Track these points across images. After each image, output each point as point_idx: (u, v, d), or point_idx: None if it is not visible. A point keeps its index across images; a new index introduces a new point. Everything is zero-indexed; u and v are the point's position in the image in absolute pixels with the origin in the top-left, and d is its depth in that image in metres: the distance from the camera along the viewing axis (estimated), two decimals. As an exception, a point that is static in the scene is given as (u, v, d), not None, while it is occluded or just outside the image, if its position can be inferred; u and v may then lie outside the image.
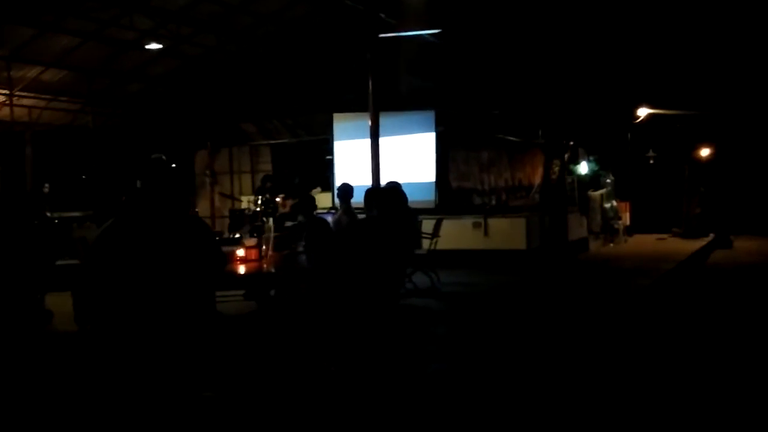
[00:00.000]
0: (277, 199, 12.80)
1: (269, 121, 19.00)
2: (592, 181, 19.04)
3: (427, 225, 10.96)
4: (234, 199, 16.33)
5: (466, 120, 16.72)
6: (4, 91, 15.55)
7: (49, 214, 12.27)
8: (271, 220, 12.06)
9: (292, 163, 18.09)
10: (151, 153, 4.91)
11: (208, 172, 18.89)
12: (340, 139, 15.96)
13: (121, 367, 4.07)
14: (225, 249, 7.45)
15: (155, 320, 4.07)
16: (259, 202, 12.86)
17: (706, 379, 6.12)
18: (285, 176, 15.72)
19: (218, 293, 5.56)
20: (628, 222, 20.32)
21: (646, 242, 18.99)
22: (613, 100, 20.13)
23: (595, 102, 19.33)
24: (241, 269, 6.81)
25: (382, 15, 12.21)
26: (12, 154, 17.42)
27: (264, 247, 7.28)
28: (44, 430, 4.82)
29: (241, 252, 7.02)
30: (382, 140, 12.89)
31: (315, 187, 15.51)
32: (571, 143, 18.24)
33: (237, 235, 10.67)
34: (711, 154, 22.40)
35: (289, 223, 9.05)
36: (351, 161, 15.12)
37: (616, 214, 19.17)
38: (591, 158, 19.37)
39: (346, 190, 7.94)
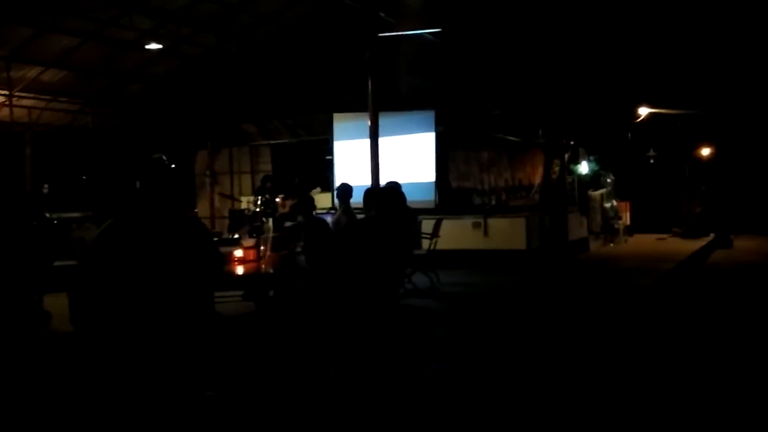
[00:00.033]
0: (277, 200, 12.78)
1: (269, 121, 18.99)
2: (593, 180, 19.02)
3: (427, 225, 10.96)
4: (234, 199, 16.32)
5: (466, 120, 16.70)
6: (3, 92, 15.54)
7: (48, 215, 12.24)
8: (270, 220, 12.06)
9: (292, 163, 18.08)
10: (151, 153, 4.90)
11: (208, 172, 18.89)
12: (340, 139, 15.95)
13: (118, 367, 4.06)
14: (223, 249, 7.45)
15: (153, 321, 4.06)
16: (259, 202, 12.85)
17: (706, 378, 6.10)
18: (285, 176, 15.71)
19: (217, 294, 5.55)
20: (628, 222, 20.30)
21: (647, 242, 18.97)
22: (613, 99, 20.12)
23: (595, 101, 19.31)
24: (239, 270, 6.79)
25: (382, 14, 12.19)
26: (11, 154, 17.40)
27: (262, 247, 7.26)
28: (43, 431, 4.81)
29: (239, 252, 7.01)
30: (382, 140, 12.87)
31: (315, 188, 15.53)
32: (572, 143, 18.22)
33: (236, 236, 10.65)
34: (711, 154, 22.38)
35: (288, 224, 9.03)
36: (351, 161, 15.11)
37: (617, 214, 19.15)
38: (591, 158, 19.35)
39: (346, 190, 7.92)
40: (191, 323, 4.20)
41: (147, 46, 15.21)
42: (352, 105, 15.08)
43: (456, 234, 12.96)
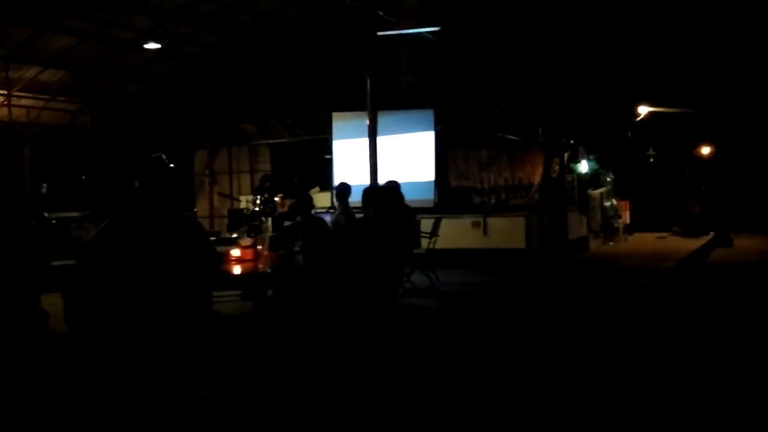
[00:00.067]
0: (276, 199, 12.76)
1: (268, 120, 18.97)
2: (592, 179, 19.00)
3: (426, 224, 10.93)
4: (233, 198, 16.31)
5: (466, 119, 16.68)
6: (2, 92, 15.54)
7: (47, 215, 12.23)
8: (269, 219, 12.05)
9: (291, 162, 18.06)
10: (150, 153, 4.88)
11: (207, 171, 18.88)
12: (339, 139, 15.93)
13: (114, 367, 4.05)
14: (220, 249, 7.44)
15: (149, 321, 4.05)
16: (258, 201, 12.84)
17: (705, 377, 6.09)
18: (284, 176, 15.69)
19: (215, 293, 5.53)
20: (628, 220, 20.28)
21: (646, 241, 18.95)
22: (613, 98, 20.10)
23: (595, 100, 19.29)
24: (236, 269, 6.77)
25: (381, 13, 12.17)
26: (10, 154, 17.39)
27: (260, 247, 7.24)
28: (38, 430, 4.80)
29: (236, 252, 6.99)
30: (381, 139, 12.85)
31: (314, 187, 15.50)
32: (572, 142, 18.21)
33: (234, 235, 10.63)
34: (711, 153, 22.36)
35: (287, 223, 9.02)
36: (350, 160, 15.08)
37: (616, 213, 19.13)
38: (591, 157, 19.33)
39: (344, 189, 7.90)
40: (188, 323, 4.19)
41: (146, 46, 15.20)
42: (351, 104, 15.06)
43: (455, 233, 12.94)
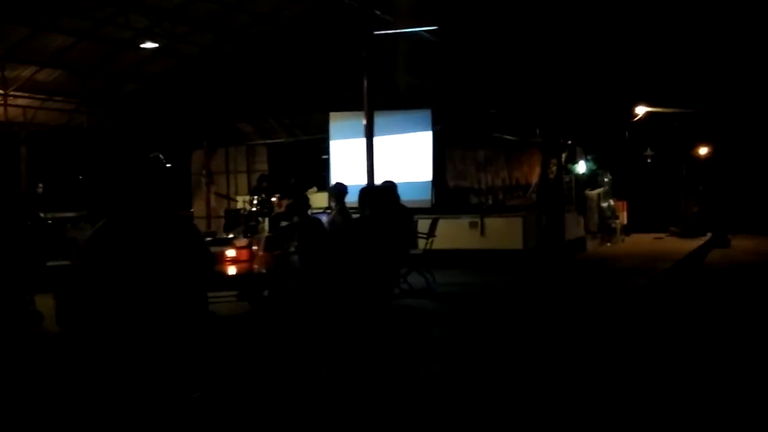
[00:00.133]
0: (273, 199, 12.73)
1: (266, 120, 18.94)
2: (590, 180, 18.99)
3: (423, 224, 10.90)
4: (230, 199, 16.27)
5: (463, 119, 16.66)
6: (-2, 91, 15.50)
7: (42, 215, 12.20)
8: (266, 220, 12.03)
9: (288, 162, 18.02)
10: (147, 153, 4.85)
11: (204, 171, 18.84)
12: (336, 139, 15.90)
13: (108, 369, 4.02)
14: (216, 249, 7.41)
15: (144, 322, 4.02)
16: (255, 202, 12.80)
17: (702, 377, 6.07)
18: (281, 176, 15.65)
19: (211, 294, 5.51)
20: (625, 221, 20.26)
21: (644, 241, 18.94)
22: (610, 98, 20.09)
23: (592, 100, 19.28)
24: (232, 270, 6.75)
25: (378, 12, 12.14)
26: (7, 154, 17.35)
27: (255, 247, 7.22)
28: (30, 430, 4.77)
29: (231, 252, 6.96)
30: (378, 139, 12.82)
31: (311, 187, 15.47)
32: (569, 142, 18.19)
33: (231, 236, 10.60)
34: (709, 153, 22.37)
35: (284, 223, 8.99)
36: (347, 161, 15.06)
37: (614, 214, 19.12)
38: (588, 157, 19.32)
39: (340, 189, 7.86)
40: (183, 323, 4.17)
41: (142, 45, 15.16)
42: (349, 104, 15.02)
43: (452, 233, 12.92)
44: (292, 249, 6.88)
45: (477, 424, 4.84)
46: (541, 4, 15.38)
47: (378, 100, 12.82)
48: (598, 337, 7.75)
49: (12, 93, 15.91)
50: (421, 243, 10.56)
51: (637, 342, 7.55)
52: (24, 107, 17.19)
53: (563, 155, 17.28)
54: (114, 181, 4.47)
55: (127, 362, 3.99)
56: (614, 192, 19.88)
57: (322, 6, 15.34)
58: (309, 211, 7.60)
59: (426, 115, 15.38)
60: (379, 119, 13.02)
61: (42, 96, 16.97)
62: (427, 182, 15.18)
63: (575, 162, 18.58)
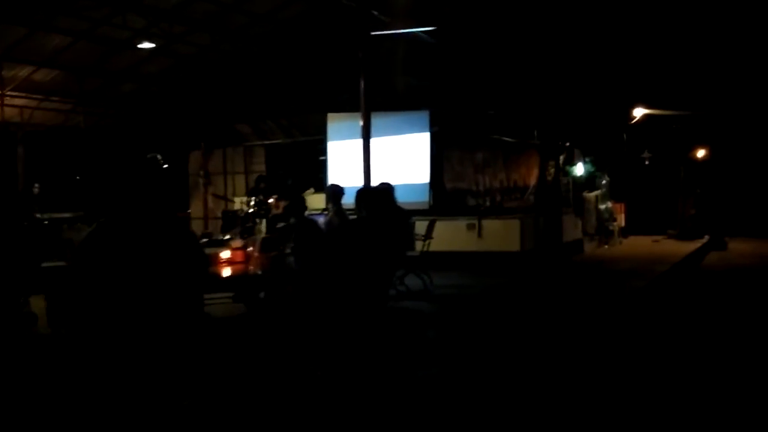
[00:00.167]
0: (270, 200, 12.69)
1: (263, 121, 18.90)
2: (588, 182, 18.99)
3: (421, 226, 10.88)
4: (227, 200, 16.24)
5: (461, 120, 16.64)
6: (-5, 91, 15.46)
7: (39, 215, 12.15)
8: (263, 221, 11.98)
9: (286, 163, 17.99)
10: (144, 153, 4.83)
11: (201, 172, 18.81)
12: (333, 140, 15.87)
13: (100, 371, 3.99)
14: (212, 251, 7.38)
15: (139, 324, 3.99)
16: (252, 203, 12.76)
17: (699, 379, 6.05)
18: (278, 177, 15.61)
19: (206, 296, 5.47)
20: (623, 223, 20.27)
21: (641, 244, 18.93)
22: (608, 100, 20.09)
23: (590, 103, 19.28)
24: (227, 271, 6.71)
25: (375, 13, 12.12)
26: (3, 154, 17.31)
27: (251, 248, 7.18)
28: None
29: (226, 254, 6.93)
30: (376, 140, 12.80)
31: (308, 188, 15.43)
32: (567, 144, 18.18)
33: (227, 237, 10.56)
34: (706, 156, 22.39)
35: (281, 225, 8.95)
36: (344, 162, 15.02)
37: (611, 216, 19.12)
38: (587, 159, 19.32)
39: (336, 191, 7.83)
40: (177, 325, 4.14)
41: (140, 45, 15.12)
42: (346, 105, 15.00)
43: (450, 235, 12.89)
44: (288, 250, 6.85)
45: (473, 428, 4.81)
46: (540, 5, 15.36)
47: (376, 101, 12.80)
48: (596, 340, 7.73)
49: (9, 93, 15.87)
50: (419, 245, 10.54)
51: (634, 344, 7.53)
52: (21, 107, 17.15)
53: (561, 157, 17.27)
54: (110, 182, 4.44)
55: (120, 365, 3.96)
56: (612, 194, 19.88)
57: (320, 7, 15.31)
58: (306, 213, 7.56)
59: (424, 116, 15.36)
60: (377, 120, 12.99)
61: (39, 96, 16.93)
62: (424, 184, 15.15)
63: (573, 164, 18.57)
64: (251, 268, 6.90)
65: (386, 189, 7.95)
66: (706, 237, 19.73)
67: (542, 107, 16.16)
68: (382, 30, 12.44)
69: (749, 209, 21.56)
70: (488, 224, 13.69)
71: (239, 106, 18.27)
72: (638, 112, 20.71)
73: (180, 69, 17.41)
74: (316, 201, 13.42)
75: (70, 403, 4.74)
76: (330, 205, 7.92)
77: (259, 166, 18.55)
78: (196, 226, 17.41)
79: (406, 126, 15.42)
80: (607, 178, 19.79)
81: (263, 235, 8.59)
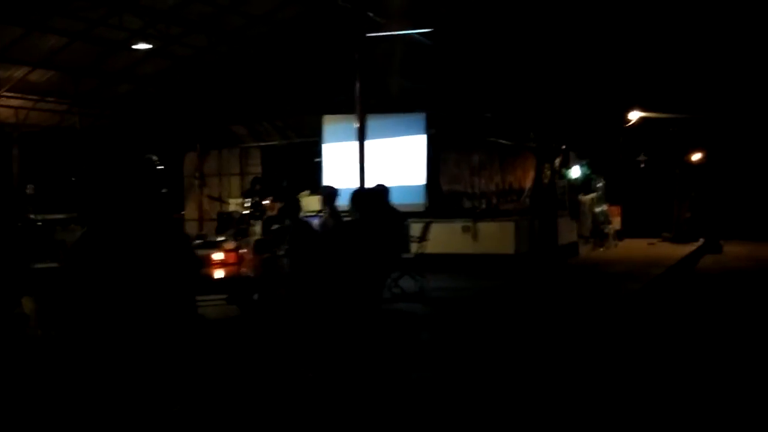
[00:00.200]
0: (265, 202, 12.68)
1: (259, 122, 18.89)
2: (583, 185, 19.00)
3: (416, 228, 10.87)
4: (222, 201, 16.22)
5: (458, 122, 16.64)
6: (-10, 92, 15.44)
7: (32, 216, 12.11)
8: (258, 223, 11.96)
9: (281, 165, 17.98)
10: (139, 154, 4.82)
11: (197, 174, 18.79)
12: (329, 142, 15.87)
13: (92, 374, 3.97)
14: (205, 252, 7.36)
15: (130, 325, 3.98)
16: (247, 204, 12.75)
17: (695, 381, 6.04)
18: (274, 179, 15.60)
19: (200, 297, 5.45)
20: (618, 226, 20.29)
21: (637, 247, 18.95)
22: (604, 103, 20.10)
23: (586, 105, 19.29)
24: (219, 273, 6.69)
25: (371, 14, 12.11)
26: (-2, 154, 17.28)
27: (244, 250, 7.17)
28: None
29: (218, 255, 6.91)
30: (372, 142, 12.79)
31: (304, 190, 15.42)
32: (563, 147, 18.19)
33: (220, 238, 10.54)
34: (702, 159, 22.42)
35: (276, 226, 8.93)
36: (340, 164, 15.02)
37: (607, 219, 19.13)
38: (582, 162, 19.33)
39: (330, 192, 7.82)
40: (168, 328, 4.12)
41: (135, 46, 15.10)
42: (342, 107, 14.99)
43: (445, 238, 12.89)
44: (282, 252, 6.84)
45: (466, 431, 4.79)
46: (536, 8, 15.37)
47: (372, 103, 12.79)
48: (591, 342, 7.72)
49: (4, 93, 15.85)
50: (414, 247, 10.53)
51: (630, 347, 7.52)
52: (16, 108, 17.12)
53: (557, 160, 17.28)
54: (105, 183, 4.41)
55: (110, 368, 3.94)
56: (607, 197, 19.89)
57: (317, 8, 15.30)
58: (301, 214, 7.55)
59: (420, 118, 15.37)
60: (374, 122, 12.98)
61: (34, 97, 16.89)
62: (420, 186, 15.15)
63: (569, 167, 18.58)
64: (244, 270, 6.88)
65: (380, 191, 7.95)
66: (702, 240, 19.76)
67: (538, 110, 16.17)
68: (378, 32, 12.43)
69: (744, 212, 21.61)
70: (484, 227, 13.69)
71: (235, 108, 18.26)
72: (634, 115, 20.73)
73: (176, 70, 17.39)
74: (311, 203, 13.41)
75: (58, 406, 4.72)
76: (325, 207, 7.91)
77: (255, 168, 18.54)
78: (191, 228, 17.40)
79: (402, 128, 15.43)
80: (603, 181, 19.81)
81: (257, 236, 8.55)
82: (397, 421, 4.85)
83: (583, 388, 5.86)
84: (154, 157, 4.85)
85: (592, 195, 18.88)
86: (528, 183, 18.16)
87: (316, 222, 8.02)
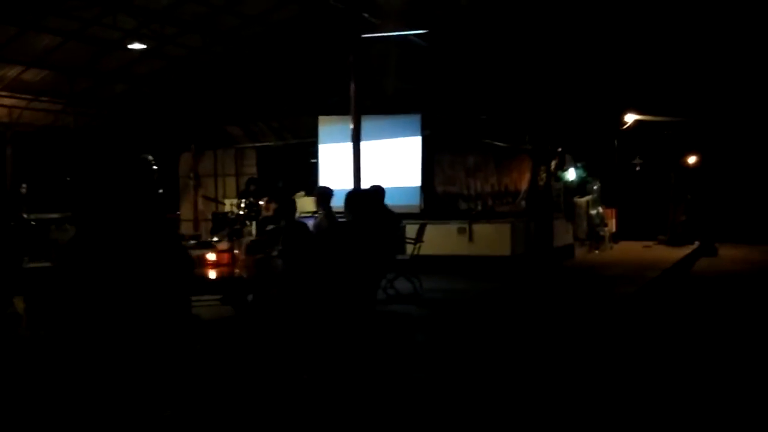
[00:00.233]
0: (261, 203, 12.65)
1: (255, 123, 18.86)
2: (579, 187, 19.02)
3: (411, 230, 10.85)
4: (217, 202, 16.17)
5: (453, 124, 16.64)
6: (-16, 91, 15.36)
7: (26, 216, 12.03)
8: (253, 223, 11.93)
9: (277, 166, 17.95)
10: (134, 155, 4.79)
11: (192, 174, 18.72)
12: (324, 143, 15.85)
13: (83, 375, 3.93)
14: (198, 252, 7.31)
15: (122, 326, 3.94)
16: (243, 205, 12.71)
17: (689, 384, 6.03)
18: (269, 179, 15.57)
19: (194, 298, 5.41)
20: (614, 229, 20.30)
21: (632, 249, 18.96)
22: (600, 106, 20.13)
23: (582, 108, 19.31)
24: (212, 273, 6.65)
25: (366, 15, 12.09)
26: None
27: (237, 251, 7.12)
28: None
29: (212, 256, 6.87)
30: (367, 143, 12.77)
31: (299, 191, 15.39)
32: (559, 149, 18.20)
33: (214, 239, 10.50)
34: (697, 162, 22.47)
35: (271, 227, 8.90)
36: (335, 165, 15.00)
37: (602, 221, 19.15)
38: (578, 165, 19.35)
39: (324, 193, 7.79)
40: (160, 330, 4.09)
41: (130, 46, 15.04)
42: (337, 108, 14.97)
43: (440, 239, 12.87)
44: (275, 253, 6.80)
45: (460, 433, 4.77)
46: (532, 10, 15.37)
47: (367, 105, 12.77)
48: (585, 345, 7.70)
49: (-3, 92, 15.79)
50: (409, 248, 10.51)
51: (624, 349, 7.50)
52: (10, 107, 17.05)
53: (553, 162, 17.28)
54: (99, 183, 4.37)
55: (102, 370, 3.90)
56: (603, 199, 19.91)
57: (312, 9, 15.27)
58: (296, 215, 7.51)
59: (415, 119, 15.35)
60: (368, 123, 12.95)
61: (28, 96, 16.82)
62: (415, 187, 15.14)
63: (565, 169, 18.58)
64: (237, 270, 6.84)
65: (375, 192, 7.92)
66: (697, 243, 19.79)
67: (534, 112, 16.17)
68: (373, 33, 12.41)
69: (740, 215, 21.65)
70: (479, 228, 13.67)
71: (230, 108, 18.22)
72: (630, 118, 20.76)
73: (171, 70, 17.34)
74: (307, 203, 13.38)
75: (48, 407, 4.67)
76: (319, 208, 7.88)
77: (250, 169, 18.49)
78: (186, 228, 17.34)
79: (397, 129, 15.41)
80: (599, 184, 19.83)
81: (251, 237, 8.52)
82: (392, 423, 4.82)
83: (578, 390, 5.84)
84: (150, 157, 4.82)
85: (588, 197, 18.90)
86: (524, 185, 18.16)
87: (311, 223, 7.99)
